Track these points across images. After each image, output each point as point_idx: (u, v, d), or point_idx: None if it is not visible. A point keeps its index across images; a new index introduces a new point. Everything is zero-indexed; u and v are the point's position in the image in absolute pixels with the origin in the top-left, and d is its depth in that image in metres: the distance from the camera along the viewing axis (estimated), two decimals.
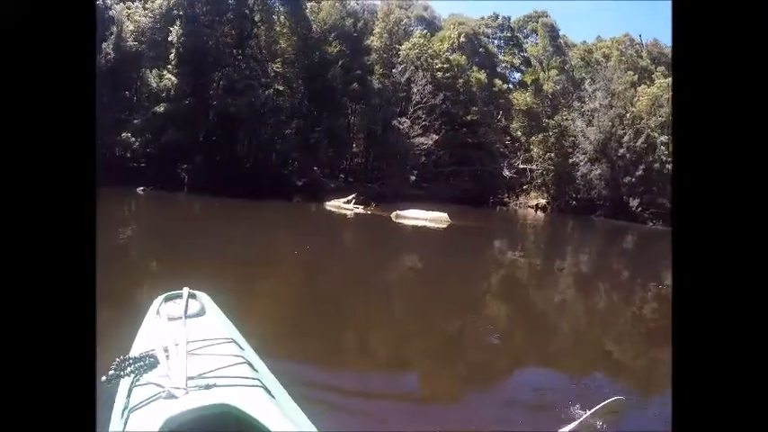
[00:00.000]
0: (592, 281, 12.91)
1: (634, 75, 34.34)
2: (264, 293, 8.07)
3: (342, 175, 31.70)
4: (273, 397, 2.35)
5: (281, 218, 19.18)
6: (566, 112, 36.53)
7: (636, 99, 33.15)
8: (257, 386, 2.35)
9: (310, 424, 2.35)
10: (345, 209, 22.38)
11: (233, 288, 6.76)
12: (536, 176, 36.95)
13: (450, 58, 36.34)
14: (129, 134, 23.45)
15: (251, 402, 2.16)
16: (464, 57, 37.48)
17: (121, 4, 24.84)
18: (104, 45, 22.61)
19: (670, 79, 32.26)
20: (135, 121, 24.37)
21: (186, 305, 3.06)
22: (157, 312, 3.06)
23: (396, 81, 33.14)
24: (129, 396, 2.23)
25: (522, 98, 39.86)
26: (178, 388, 2.13)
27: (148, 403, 2.10)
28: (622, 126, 32.66)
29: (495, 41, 46.67)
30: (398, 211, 20.65)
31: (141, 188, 21.24)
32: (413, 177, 33.57)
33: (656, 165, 30.98)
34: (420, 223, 19.51)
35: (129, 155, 23.83)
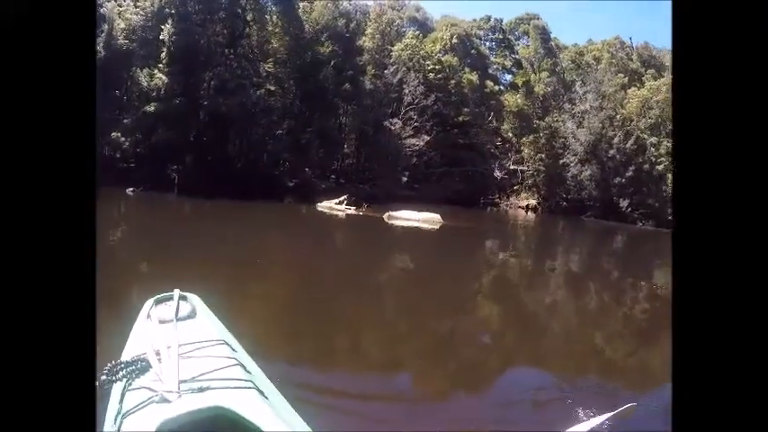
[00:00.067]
0: (582, 281, 12.99)
1: (624, 77, 34.70)
2: (256, 295, 8.03)
3: (333, 176, 31.64)
4: (267, 398, 2.35)
5: (272, 219, 19.11)
6: (556, 114, 36.82)
7: (626, 101, 33.49)
8: (250, 388, 2.34)
9: (304, 424, 2.35)
10: (337, 210, 22.34)
11: (224, 289, 6.73)
12: (527, 177, 37.18)
13: (442, 59, 36.45)
14: (119, 134, 23.24)
15: (244, 404, 2.15)
16: (456, 58, 37.61)
17: (113, 1, 24.59)
18: None
19: (660, 81, 32.65)
20: (125, 121, 24.16)
21: (177, 307, 3.05)
22: (148, 315, 3.04)
23: (388, 82, 33.15)
24: (121, 401, 2.21)
25: (513, 100, 40.09)
26: (171, 391, 2.12)
27: (141, 408, 2.09)
28: (612, 128, 32.95)
29: (487, 43, 46.88)
30: (391, 212, 20.66)
31: (131, 189, 21.04)
32: (404, 178, 33.63)
33: (646, 166, 31.32)
34: (412, 224, 19.53)
35: (118, 155, 23.60)
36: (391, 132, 32.03)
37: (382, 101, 32.40)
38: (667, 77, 33.50)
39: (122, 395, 2.24)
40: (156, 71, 24.55)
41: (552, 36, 44.05)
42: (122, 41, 24.14)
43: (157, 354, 2.44)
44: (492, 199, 36.92)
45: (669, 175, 30.29)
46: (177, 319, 2.93)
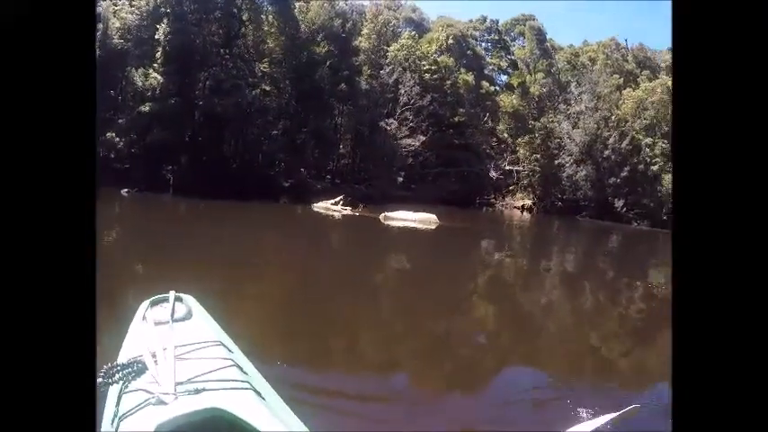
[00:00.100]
0: (578, 280, 13.03)
1: (619, 78, 34.92)
2: (252, 295, 8.02)
3: (328, 177, 31.62)
4: (264, 399, 2.34)
5: (267, 219, 19.08)
6: (552, 115, 36.96)
7: (621, 102, 33.69)
8: (247, 389, 2.34)
9: (301, 424, 2.35)
10: (333, 210, 22.32)
11: (220, 290, 6.71)
12: (522, 177, 37.29)
13: (438, 59, 36.52)
14: (114, 134, 23.14)
15: (241, 405, 2.15)
16: (452, 59, 37.70)
17: (108, 0, 24.49)
18: None
19: (655, 82, 32.83)
20: (120, 121, 24.05)
21: (173, 309, 3.04)
22: (144, 317, 3.03)
23: (383, 82, 33.17)
24: (118, 403, 2.20)
25: (508, 100, 40.24)
26: (167, 393, 2.11)
27: (138, 410, 2.08)
28: (607, 128, 33.10)
29: (483, 44, 47.04)
30: (387, 213, 20.65)
31: (126, 190, 20.95)
32: (400, 179, 33.66)
33: (641, 166, 31.49)
34: (409, 224, 19.54)
35: (113, 155, 23.46)
36: (387, 133, 32.05)
37: (378, 101, 32.41)
38: (662, 78, 33.71)
39: (119, 397, 2.23)
40: (151, 71, 24.45)
41: (548, 37, 44.29)
42: (117, 41, 24.04)
43: (153, 356, 2.43)
44: (488, 199, 37.00)
45: (664, 176, 30.48)
46: (173, 321, 2.92)
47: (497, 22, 47.62)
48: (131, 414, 2.08)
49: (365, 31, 33.53)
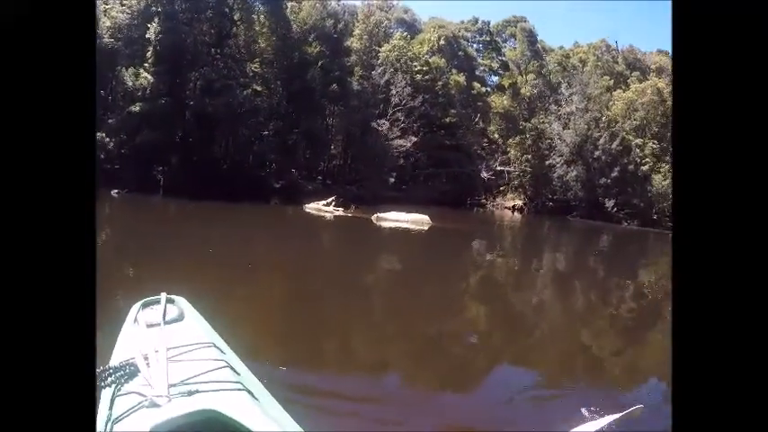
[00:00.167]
0: (568, 280, 13.12)
1: (610, 79, 35.25)
2: (244, 296, 7.99)
3: (320, 177, 31.58)
4: (257, 400, 2.34)
5: (258, 220, 19.01)
6: (542, 116, 37.20)
7: (611, 103, 34.00)
8: (240, 390, 2.33)
9: (295, 425, 2.35)
10: (325, 211, 22.28)
11: (211, 291, 6.67)
12: (513, 178, 37.49)
13: (430, 60, 36.61)
14: (104, 134, 22.88)
15: (235, 406, 2.14)
16: (443, 60, 37.81)
17: None
18: None
19: (645, 84, 33.15)
20: (110, 121, 23.80)
21: (164, 311, 3.02)
22: (135, 320, 3.01)
23: (375, 83, 33.19)
24: (111, 407, 2.19)
25: (499, 101, 40.42)
26: (160, 396, 2.10)
27: (131, 413, 2.07)
28: (598, 129, 33.37)
29: (475, 45, 47.19)
30: (379, 214, 20.66)
31: (115, 191, 20.77)
32: (391, 179, 33.69)
33: (631, 166, 31.79)
34: (401, 225, 19.56)
35: (103, 156, 23.20)
36: (378, 133, 32.06)
37: (369, 102, 32.42)
38: (652, 80, 34.06)
39: (112, 401, 2.22)
40: (141, 70, 24.26)
41: (539, 39, 44.60)
42: (108, 40, 23.77)
43: (146, 358, 2.42)
44: (479, 200, 37.14)
45: (654, 176, 30.78)
46: (165, 323, 2.90)
47: (489, 23, 47.82)
48: (124, 417, 2.07)
49: (357, 31, 33.53)
